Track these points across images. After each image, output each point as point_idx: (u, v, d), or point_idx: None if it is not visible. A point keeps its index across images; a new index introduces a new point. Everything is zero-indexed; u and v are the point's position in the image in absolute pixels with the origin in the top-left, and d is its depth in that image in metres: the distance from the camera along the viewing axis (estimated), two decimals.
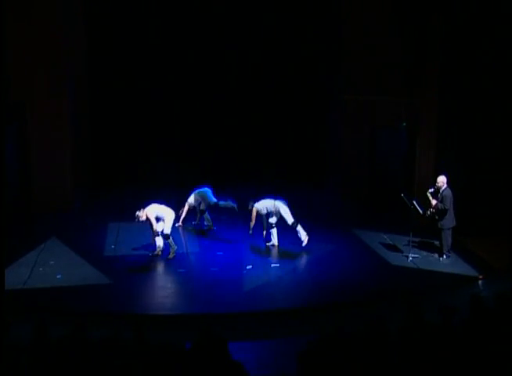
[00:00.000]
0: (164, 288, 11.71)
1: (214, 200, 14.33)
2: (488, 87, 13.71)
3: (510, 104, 13.79)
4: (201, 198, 14.45)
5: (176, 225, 14.15)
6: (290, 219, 13.29)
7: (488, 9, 13.44)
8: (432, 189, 12.65)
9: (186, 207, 14.65)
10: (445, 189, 12.56)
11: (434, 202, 12.57)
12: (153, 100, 17.86)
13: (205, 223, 14.79)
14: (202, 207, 14.53)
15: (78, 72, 16.63)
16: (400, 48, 15.56)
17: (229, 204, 14.17)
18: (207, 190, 14.48)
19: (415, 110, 14.96)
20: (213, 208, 14.57)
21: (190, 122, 18.19)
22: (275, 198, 13.43)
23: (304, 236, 13.31)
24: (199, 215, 14.72)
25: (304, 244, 13.35)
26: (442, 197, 12.52)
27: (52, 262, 12.51)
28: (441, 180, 12.62)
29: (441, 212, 12.54)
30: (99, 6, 17.06)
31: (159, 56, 17.62)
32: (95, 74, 17.41)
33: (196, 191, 14.53)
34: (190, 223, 14.87)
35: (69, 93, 15.53)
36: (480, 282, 11.96)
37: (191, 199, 14.56)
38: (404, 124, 15.85)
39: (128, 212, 15.22)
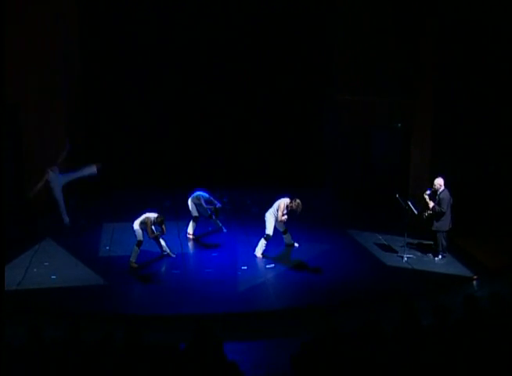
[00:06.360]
0: (158, 289, 11.68)
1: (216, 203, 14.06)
2: (482, 87, 13.74)
3: (504, 103, 13.82)
4: (198, 202, 13.91)
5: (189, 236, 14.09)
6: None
7: (483, 10, 13.47)
8: (429, 191, 12.61)
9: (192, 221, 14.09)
10: (443, 191, 12.54)
11: (431, 204, 12.53)
12: (150, 102, 17.79)
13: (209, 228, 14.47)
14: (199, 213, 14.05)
15: (73, 72, 16.57)
16: (395, 49, 15.60)
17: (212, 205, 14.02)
18: (201, 194, 13.99)
19: (410, 110, 14.97)
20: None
21: (186, 125, 18.14)
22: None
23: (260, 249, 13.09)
24: (214, 220, 14.31)
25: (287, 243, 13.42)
26: (440, 200, 12.48)
27: (46, 263, 12.51)
28: (439, 182, 12.57)
29: (438, 215, 12.52)
30: (92, 7, 16.99)
31: (155, 56, 17.54)
32: (90, 74, 17.33)
33: (190, 197, 14.01)
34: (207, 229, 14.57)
35: (64, 94, 15.47)
36: (474, 282, 11.99)
37: (191, 208, 13.99)
38: (399, 124, 15.88)
39: (122, 213, 15.24)
